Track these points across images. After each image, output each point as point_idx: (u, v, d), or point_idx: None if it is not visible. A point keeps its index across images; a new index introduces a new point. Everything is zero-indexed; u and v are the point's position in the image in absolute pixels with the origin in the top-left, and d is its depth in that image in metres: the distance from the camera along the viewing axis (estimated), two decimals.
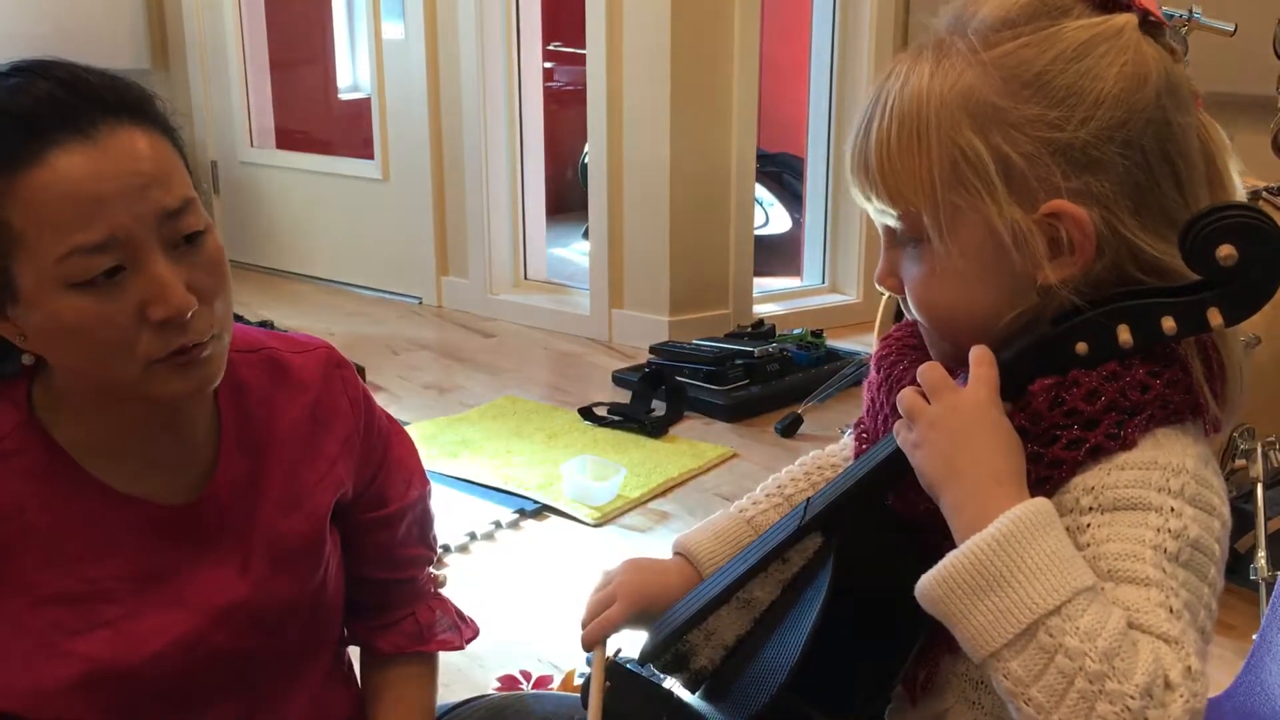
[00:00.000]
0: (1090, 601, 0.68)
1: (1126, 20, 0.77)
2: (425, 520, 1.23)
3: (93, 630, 0.97)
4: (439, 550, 1.27)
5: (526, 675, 2.05)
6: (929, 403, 0.78)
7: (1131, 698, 0.65)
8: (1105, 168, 0.76)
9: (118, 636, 0.97)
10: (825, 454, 1.04)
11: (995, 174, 0.76)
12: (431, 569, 1.27)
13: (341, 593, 1.17)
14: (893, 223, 0.81)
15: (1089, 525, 0.74)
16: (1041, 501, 0.71)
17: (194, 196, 0.92)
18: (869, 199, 0.82)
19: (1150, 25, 0.78)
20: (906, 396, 0.79)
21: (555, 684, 2.03)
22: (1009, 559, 0.69)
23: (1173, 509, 0.72)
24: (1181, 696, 0.66)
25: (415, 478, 1.21)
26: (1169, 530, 0.72)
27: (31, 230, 0.86)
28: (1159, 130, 0.77)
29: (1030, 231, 0.76)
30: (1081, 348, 0.76)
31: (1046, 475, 0.75)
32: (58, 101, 0.87)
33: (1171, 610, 0.69)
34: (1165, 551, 0.71)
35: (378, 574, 1.20)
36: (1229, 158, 0.81)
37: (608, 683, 0.85)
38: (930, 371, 0.79)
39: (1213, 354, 0.79)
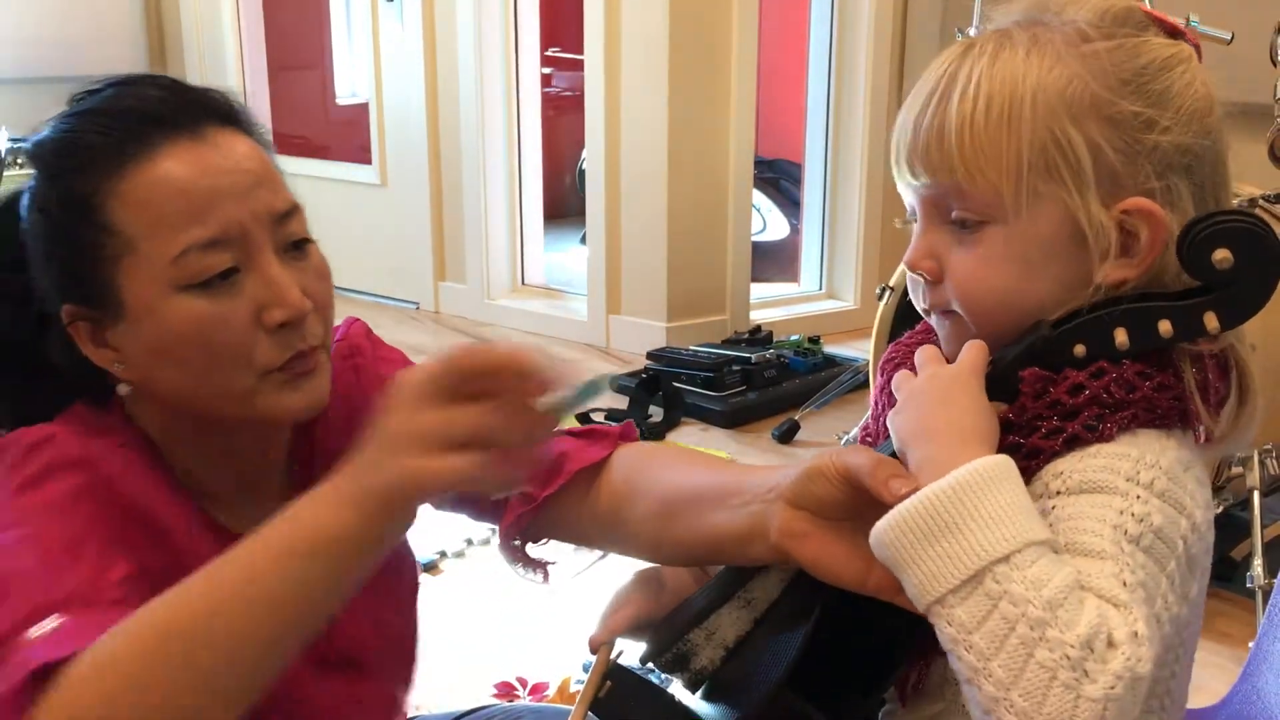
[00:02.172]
0: (1041, 554, 0.68)
1: (1192, 50, 0.81)
2: None
3: None
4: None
5: (523, 681, 2.05)
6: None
7: (1071, 647, 0.65)
8: (1180, 175, 0.79)
9: None
10: None
11: (1088, 166, 0.77)
12: None
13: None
14: (954, 203, 0.80)
15: (1054, 507, 0.74)
16: (1004, 458, 0.71)
17: (300, 205, 0.91)
18: (931, 175, 0.80)
19: None
20: (899, 375, 0.81)
21: (551, 690, 2.03)
22: (963, 506, 0.69)
23: (1139, 496, 0.72)
24: (1123, 655, 0.65)
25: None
26: (1131, 513, 0.72)
27: (143, 232, 0.84)
28: (1215, 152, 0.80)
29: (1108, 227, 0.77)
30: (1079, 350, 0.77)
31: (1024, 466, 0.75)
32: (167, 104, 0.87)
33: (1125, 583, 0.69)
34: (1125, 532, 0.71)
35: None
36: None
37: (609, 682, 0.85)
38: (923, 351, 0.81)
39: (1209, 363, 0.79)
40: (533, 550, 1.04)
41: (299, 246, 0.90)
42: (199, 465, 0.94)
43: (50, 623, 0.74)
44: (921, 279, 0.83)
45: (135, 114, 0.87)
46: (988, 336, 0.81)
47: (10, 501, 0.83)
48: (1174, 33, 0.81)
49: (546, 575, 1.05)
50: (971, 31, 2.65)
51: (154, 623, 0.71)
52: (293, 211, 0.90)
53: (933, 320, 0.85)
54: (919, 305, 0.86)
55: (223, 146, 0.87)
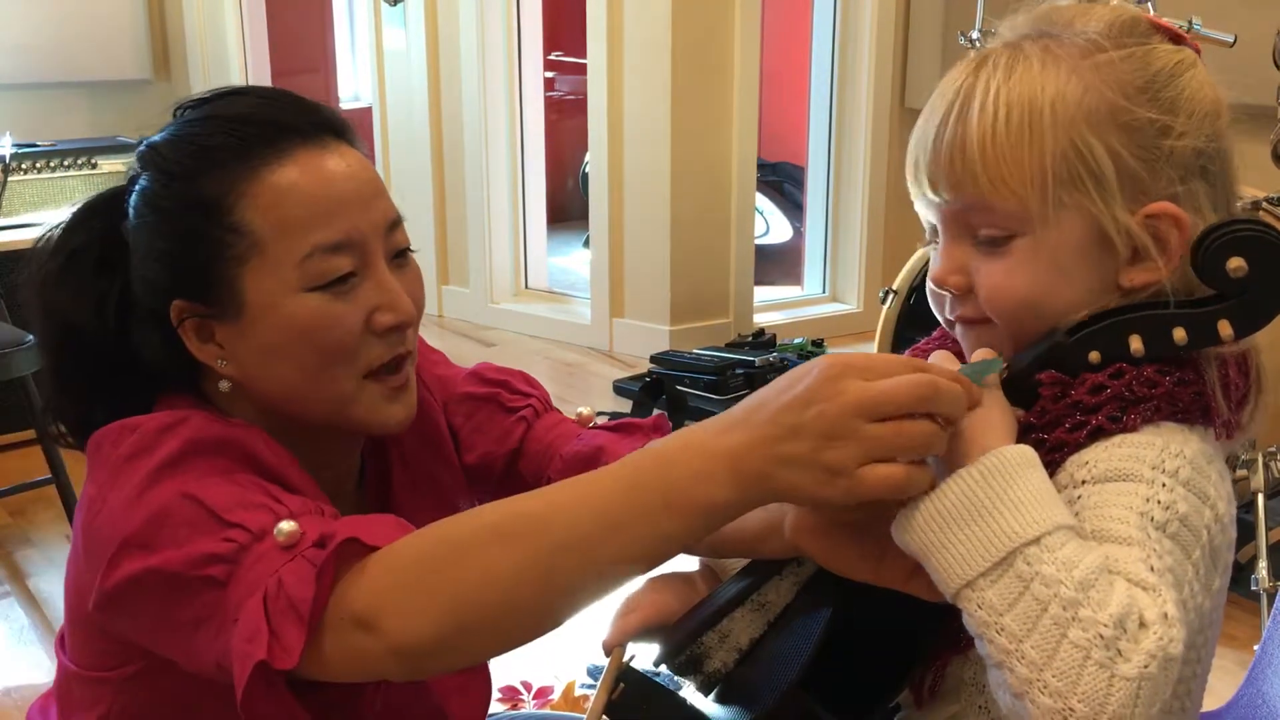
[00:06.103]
0: (1070, 537, 0.69)
1: (1196, 56, 0.82)
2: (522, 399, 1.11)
3: None
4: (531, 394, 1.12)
5: (527, 685, 2.05)
6: None
7: (1105, 626, 0.65)
8: (1199, 179, 0.80)
9: None
10: None
11: (1111, 173, 0.78)
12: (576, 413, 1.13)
13: None
14: (978, 218, 0.80)
15: (1080, 496, 0.74)
16: (1026, 447, 0.72)
17: (403, 217, 0.97)
18: (955, 190, 0.80)
19: None
20: None
21: (556, 694, 2.03)
22: (991, 491, 0.69)
23: (1164, 484, 0.73)
24: (1155, 634, 0.66)
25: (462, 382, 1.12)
26: (1158, 501, 0.72)
27: (271, 234, 0.88)
28: (1224, 155, 0.81)
29: (1135, 232, 0.78)
30: (1095, 356, 0.78)
31: (1048, 460, 0.76)
32: (299, 114, 0.92)
33: (1153, 568, 0.69)
34: (1152, 519, 0.72)
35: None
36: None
37: (621, 685, 0.85)
38: (937, 356, 0.82)
39: (1230, 361, 0.80)
40: None
41: (402, 255, 0.96)
42: None
43: (286, 525, 0.79)
44: (949, 293, 0.83)
45: (264, 120, 0.91)
46: (1019, 343, 0.82)
47: (150, 485, 0.83)
48: (1176, 39, 0.82)
49: None
50: (975, 35, 2.65)
51: (484, 523, 0.76)
52: (400, 221, 0.96)
53: (957, 331, 0.86)
54: (943, 317, 0.86)
55: (346, 160, 0.92)
